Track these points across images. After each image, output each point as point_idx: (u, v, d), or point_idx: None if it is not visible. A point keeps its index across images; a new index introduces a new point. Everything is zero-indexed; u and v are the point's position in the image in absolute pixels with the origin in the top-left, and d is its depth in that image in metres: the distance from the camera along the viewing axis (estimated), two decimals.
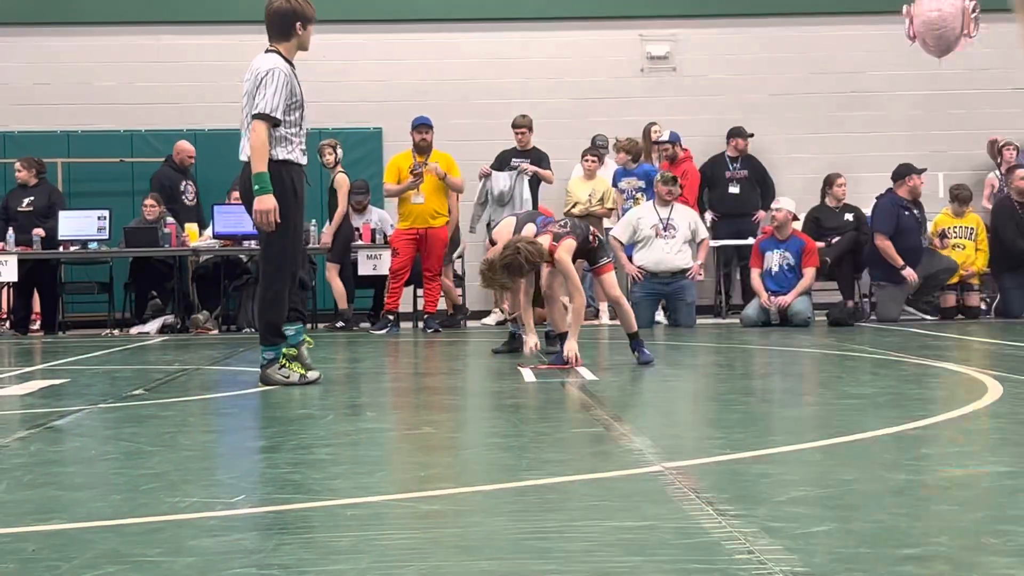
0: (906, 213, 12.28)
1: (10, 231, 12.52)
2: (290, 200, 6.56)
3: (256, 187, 6.42)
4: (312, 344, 6.83)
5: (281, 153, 6.57)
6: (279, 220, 6.43)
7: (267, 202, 6.41)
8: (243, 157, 6.65)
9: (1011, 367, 6.89)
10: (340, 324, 12.52)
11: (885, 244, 12.16)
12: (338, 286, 12.52)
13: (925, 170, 12.73)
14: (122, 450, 4.40)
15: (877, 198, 12.67)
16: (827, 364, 7.87)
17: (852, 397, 5.79)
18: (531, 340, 7.75)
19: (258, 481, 3.79)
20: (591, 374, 6.89)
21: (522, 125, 12.53)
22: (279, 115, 6.51)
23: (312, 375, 6.67)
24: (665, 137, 13.57)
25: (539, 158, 12.35)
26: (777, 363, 8.29)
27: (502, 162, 12.40)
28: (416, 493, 3.46)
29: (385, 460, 4.26)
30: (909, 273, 12.05)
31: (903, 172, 12.48)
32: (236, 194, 13.27)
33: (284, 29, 6.72)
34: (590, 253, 7.81)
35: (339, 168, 12.62)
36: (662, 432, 4.73)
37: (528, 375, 6.96)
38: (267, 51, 6.74)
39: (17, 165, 13.08)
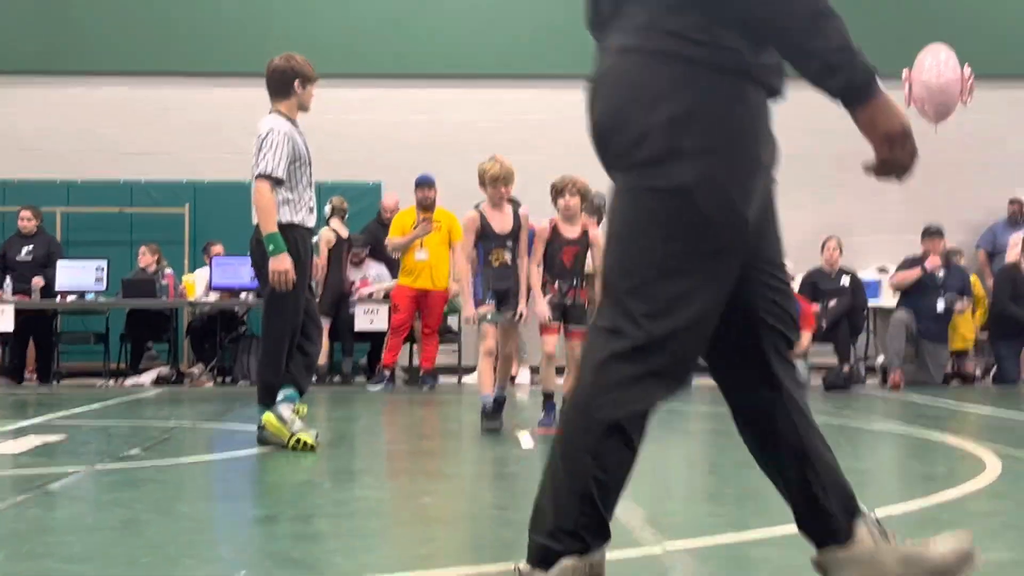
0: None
1: (8, 280, 12.53)
2: (293, 262, 6.58)
3: (270, 248, 6.38)
4: (304, 412, 6.80)
5: (285, 215, 6.57)
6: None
7: (283, 262, 6.36)
8: (255, 220, 6.66)
9: (1008, 439, 6.88)
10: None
11: (899, 277, 12.51)
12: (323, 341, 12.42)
13: (939, 232, 12.82)
14: (120, 518, 4.38)
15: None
16: (825, 432, 7.84)
17: (852, 471, 5.71)
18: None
19: (257, 555, 3.77)
20: None
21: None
22: (280, 174, 6.49)
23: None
24: None
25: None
26: None
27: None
28: (417, 571, 3.45)
29: (385, 533, 4.24)
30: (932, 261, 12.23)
31: (923, 233, 12.73)
32: (217, 247, 13.33)
33: (283, 88, 6.75)
34: (575, 311, 7.67)
35: (329, 223, 12.55)
36: (661, 507, 4.71)
37: (526, 440, 6.95)
38: (269, 112, 6.79)
39: (28, 214, 13.08)
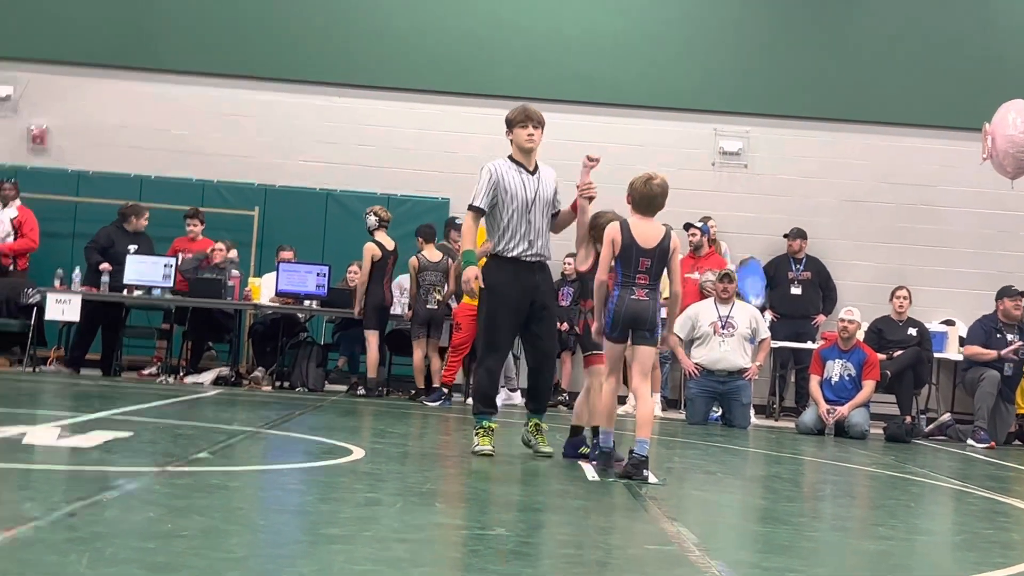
0: (998, 336, 12.15)
1: (77, 271, 12.67)
2: (504, 289, 7.29)
3: (461, 263, 7.38)
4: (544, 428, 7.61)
5: (501, 247, 7.37)
6: (480, 287, 7.27)
7: (466, 273, 7.23)
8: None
9: None
10: (361, 391, 12.40)
11: (972, 350, 12.09)
12: (372, 354, 12.36)
13: (1023, 294, 12.52)
14: (199, 526, 4.38)
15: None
16: (892, 489, 7.76)
17: (925, 532, 5.70)
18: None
19: None
20: (653, 476, 6.82)
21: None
22: (477, 204, 7.39)
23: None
24: (699, 225, 13.71)
25: None
26: (842, 483, 8.18)
27: None
28: None
29: (465, 566, 4.21)
30: (1008, 350, 11.91)
31: (999, 294, 12.42)
32: (287, 253, 13.39)
33: (507, 132, 7.75)
34: (587, 337, 7.56)
35: (376, 233, 12.51)
36: (739, 558, 4.66)
37: (589, 471, 6.92)
38: None
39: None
